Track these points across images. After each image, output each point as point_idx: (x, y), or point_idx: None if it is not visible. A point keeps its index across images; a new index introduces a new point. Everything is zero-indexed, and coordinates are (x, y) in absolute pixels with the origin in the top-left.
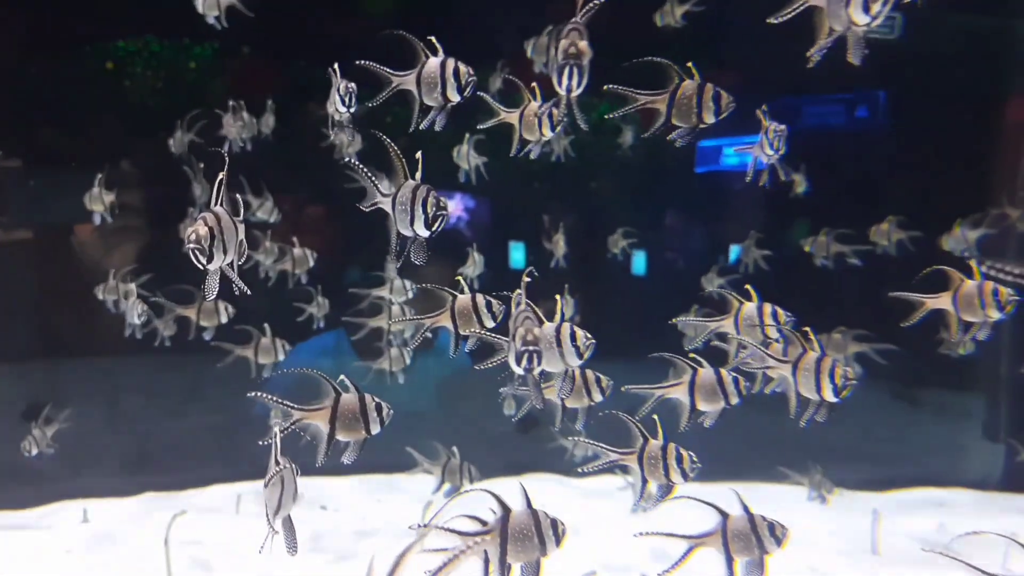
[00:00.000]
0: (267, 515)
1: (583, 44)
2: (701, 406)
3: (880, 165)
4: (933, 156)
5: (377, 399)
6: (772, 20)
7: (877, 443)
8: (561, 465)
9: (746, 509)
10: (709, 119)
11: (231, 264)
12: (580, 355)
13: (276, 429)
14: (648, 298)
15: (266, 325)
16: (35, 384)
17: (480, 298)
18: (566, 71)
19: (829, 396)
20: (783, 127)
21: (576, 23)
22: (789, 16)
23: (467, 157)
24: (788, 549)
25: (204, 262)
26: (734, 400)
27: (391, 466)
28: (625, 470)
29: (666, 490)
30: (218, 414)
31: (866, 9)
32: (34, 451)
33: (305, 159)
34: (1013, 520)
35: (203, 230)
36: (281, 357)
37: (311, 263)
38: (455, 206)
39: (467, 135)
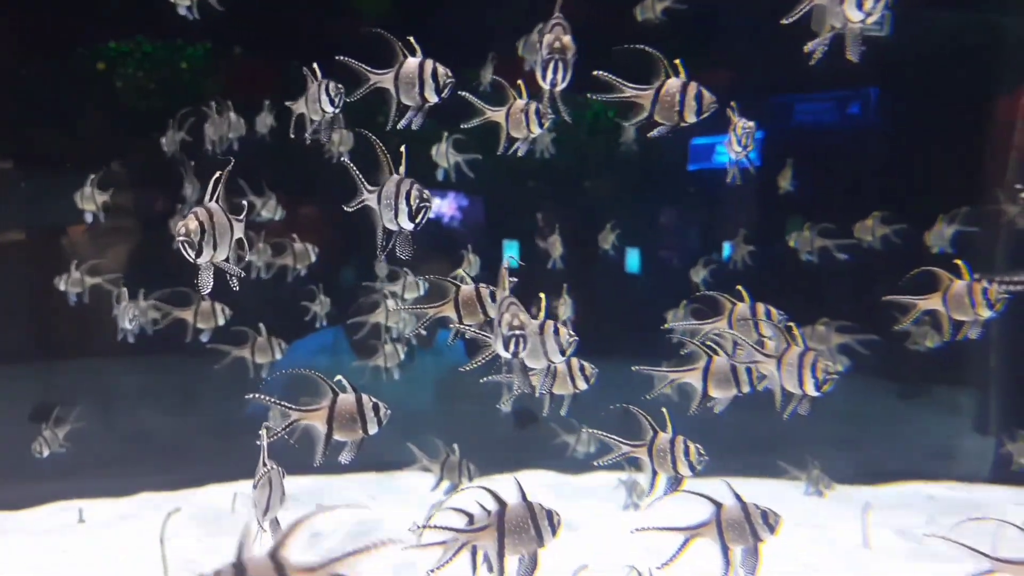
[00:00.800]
0: (256, 515)
1: (567, 39)
2: (714, 392)
3: (875, 163)
4: (930, 153)
5: (375, 399)
6: (785, 20)
7: (870, 438)
8: (558, 462)
9: (739, 498)
10: (690, 118)
11: (226, 259)
12: (563, 351)
13: (263, 431)
14: (644, 296)
15: (261, 325)
16: (30, 385)
17: (483, 288)
18: (551, 65)
19: (811, 390)
20: (752, 124)
21: (560, 19)
22: (798, 15)
23: (446, 155)
24: (780, 545)
25: (193, 256)
26: (746, 388)
27: (389, 464)
28: (633, 463)
29: (675, 483)
30: (213, 414)
31: (860, 6)
32: (45, 452)
33: (303, 158)
34: (1001, 512)
35: (193, 224)
36: (278, 356)
37: (312, 258)
38: (449, 205)
39: (445, 133)
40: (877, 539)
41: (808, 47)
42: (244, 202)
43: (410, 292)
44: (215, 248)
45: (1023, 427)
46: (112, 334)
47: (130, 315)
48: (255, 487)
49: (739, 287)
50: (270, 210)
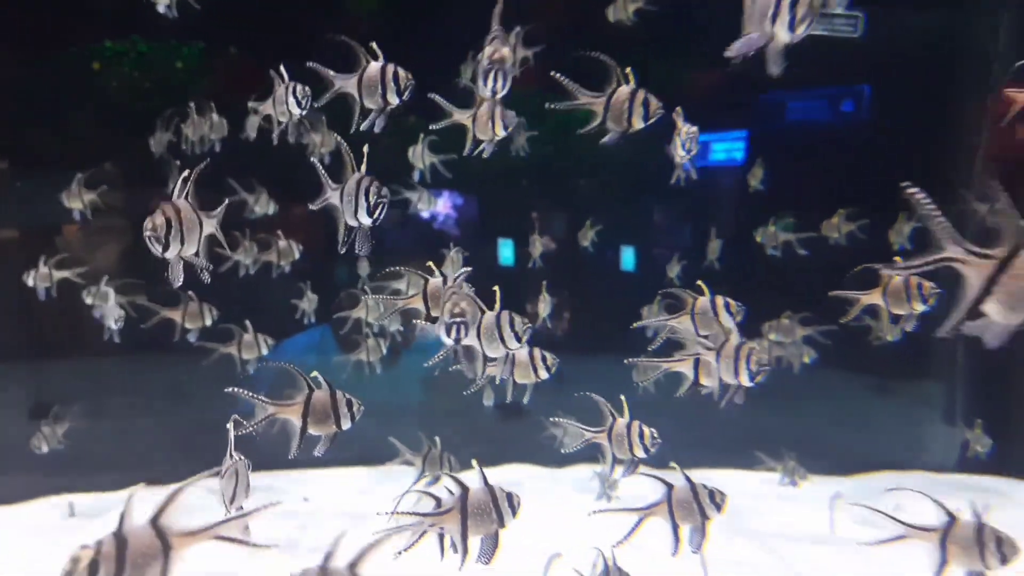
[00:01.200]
0: (224, 503)
1: (506, 51)
2: (704, 381)
3: (860, 160)
4: (910, 151)
5: (348, 395)
6: (727, 53)
7: (843, 430)
8: (540, 457)
9: (688, 479)
10: (638, 124)
11: (195, 253)
12: (519, 339)
13: (230, 425)
14: (634, 294)
15: (247, 322)
16: (21, 383)
17: (452, 281)
18: (491, 75)
19: (745, 380)
20: (695, 129)
21: (499, 31)
22: (738, 54)
23: (421, 156)
24: (753, 532)
25: (160, 250)
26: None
27: (373, 458)
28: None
29: (633, 466)
30: (202, 410)
31: (791, 27)
32: (44, 448)
33: (292, 158)
34: (965, 497)
35: (160, 219)
36: (264, 352)
37: (296, 255)
38: (444, 204)
39: (421, 135)
40: (843, 526)
41: (728, 52)
42: (226, 200)
43: (414, 288)
44: (182, 243)
45: (986, 418)
46: (102, 332)
47: (115, 315)
48: (221, 477)
49: (699, 282)
50: (263, 205)
